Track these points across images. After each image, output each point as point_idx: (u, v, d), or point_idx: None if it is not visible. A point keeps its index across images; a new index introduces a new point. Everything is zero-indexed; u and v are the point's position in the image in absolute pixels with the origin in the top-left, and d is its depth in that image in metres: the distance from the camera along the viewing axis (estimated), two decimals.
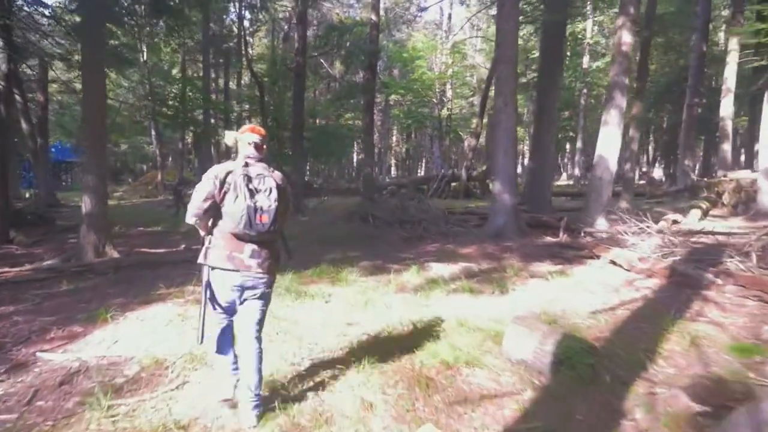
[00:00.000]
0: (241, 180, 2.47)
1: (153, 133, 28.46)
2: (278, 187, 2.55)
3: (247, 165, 2.58)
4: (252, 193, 2.47)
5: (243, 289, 2.62)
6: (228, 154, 26.10)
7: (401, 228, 10.96)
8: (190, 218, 2.57)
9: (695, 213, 11.59)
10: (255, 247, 2.60)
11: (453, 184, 22.24)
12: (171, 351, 3.69)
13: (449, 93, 30.31)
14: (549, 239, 9.43)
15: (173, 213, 14.23)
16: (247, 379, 2.69)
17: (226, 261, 2.56)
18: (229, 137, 2.74)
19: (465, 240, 9.63)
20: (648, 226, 8.00)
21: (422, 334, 4.15)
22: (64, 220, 12.88)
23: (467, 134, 31.07)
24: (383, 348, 3.79)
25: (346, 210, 13.61)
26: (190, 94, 21.71)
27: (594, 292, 5.64)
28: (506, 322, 3.89)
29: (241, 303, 2.67)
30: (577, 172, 29.86)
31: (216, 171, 2.54)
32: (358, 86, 17.77)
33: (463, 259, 7.79)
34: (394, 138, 44.15)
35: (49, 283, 5.93)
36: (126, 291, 5.62)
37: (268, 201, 2.49)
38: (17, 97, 17.09)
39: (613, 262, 6.92)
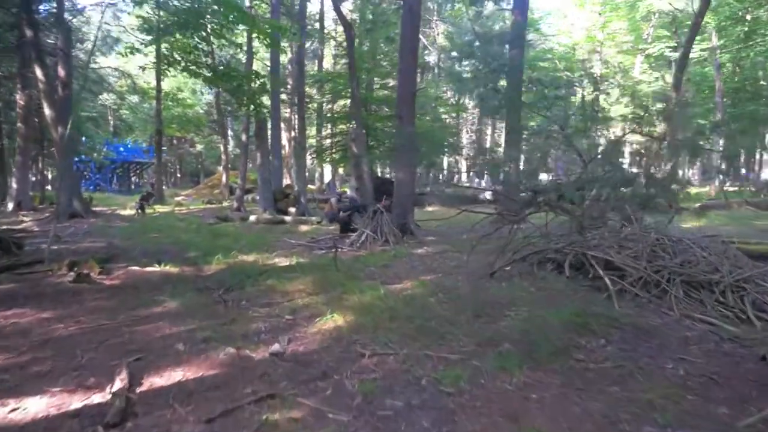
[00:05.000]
0: None
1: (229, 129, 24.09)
2: None
3: None
4: None
5: None
6: (302, 154, 20.69)
7: (676, 300, 4.30)
8: None
9: None
10: None
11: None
12: None
13: (597, 68, 22.16)
14: None
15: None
16: None
17: None
18: None
19: None
20: None
21: None
22: (63, 242, 7.92)
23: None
24: None
25: (490, 238, 6.62)
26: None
27: None
28: None
29: None
30: None
31: None
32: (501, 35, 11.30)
33: None
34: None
35: None
36: None
37: None
38: (38, 73, 12.92)
39: None
